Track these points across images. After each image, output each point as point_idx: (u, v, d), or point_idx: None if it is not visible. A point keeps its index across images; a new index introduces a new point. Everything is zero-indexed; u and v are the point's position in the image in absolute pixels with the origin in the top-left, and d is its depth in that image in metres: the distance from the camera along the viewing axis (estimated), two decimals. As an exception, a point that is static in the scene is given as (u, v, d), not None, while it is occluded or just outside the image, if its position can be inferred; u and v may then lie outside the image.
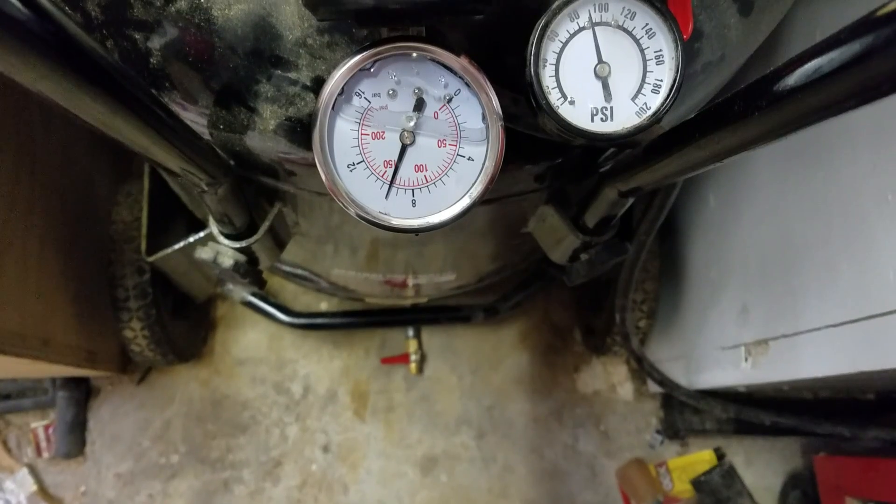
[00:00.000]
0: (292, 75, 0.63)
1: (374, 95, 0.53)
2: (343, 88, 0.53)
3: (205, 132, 0.70)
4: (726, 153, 0.55)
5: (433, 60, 0.52)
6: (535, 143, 0.70)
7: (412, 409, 1.86)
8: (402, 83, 0.53)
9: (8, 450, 1.76)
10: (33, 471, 1.74)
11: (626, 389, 1.89)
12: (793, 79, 0.45)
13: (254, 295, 1.79)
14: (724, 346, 1.40)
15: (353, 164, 0.54)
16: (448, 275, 1.37)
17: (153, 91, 0.66)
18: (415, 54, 0.52)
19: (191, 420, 1.82)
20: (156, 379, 1.84)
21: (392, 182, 0.55)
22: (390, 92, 0.53)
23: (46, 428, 1.77)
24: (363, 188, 0.55)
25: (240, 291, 1.75)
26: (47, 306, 1.37)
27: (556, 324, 1.96)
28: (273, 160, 0.73)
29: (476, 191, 0.54)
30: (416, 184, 0.55)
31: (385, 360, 1.88)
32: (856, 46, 0.40)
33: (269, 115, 0.66)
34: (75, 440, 1.75)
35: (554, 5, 0.50)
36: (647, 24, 0.50)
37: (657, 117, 0.50)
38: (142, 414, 1.81)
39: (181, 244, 1.30)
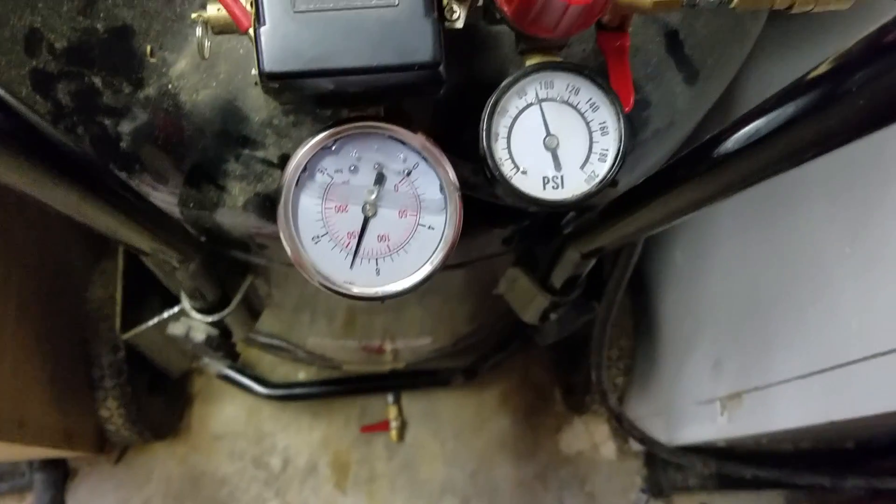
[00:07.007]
0: (260, 154, 0.65)
1: (337, 171, 0.55)
2: (306, 166, 0.55)
3: (175, 210, 0.72)
4: (676, 214, 0.58)
5: (392, 138, 0.55)
6: (501, 208, 0.73)
7: (394, 478, 1.83)
8: (363, 159, 0.55)
9: (-21, 538, 1.70)
10: (6, 558, 1.69)
11: (608, 448, 1.88)
12: (730, 144, 0.48)
13: (231, 367, 1.78)
14: (699, 401, 1.41)
15: (318, 237, 0.56)
16: (424, 338, 1.38)
17: (123, 173, 0.68)
18: (374, 132, 0.54)
19: (169, 498, 1.77)
20: (133, 457, 1.80)
21: (356, 252, 0.56)
22: (352, 168, 0.55)
23: (21, 512, 1.72)
24: (328, 259, 0.56)
25: (215, 365, 1.73)
26: (23, 386, 1.35)
27: (537, 384, 1.96)
28: (243, 234, 0.75)
29: (437, 258, 0.56)
30: (379, 253, 0.56)
31: (365, 428, 1.85)
32: (789, 110, 0.43)
33: (238, 192, 0.68)
34: (51, 524, 1.70)
35: (503, 84, 0.53)
36: (590, 99, 0.53)
37: (605, 184, 0.53)
38: (120, 493, 1.76)
39: (155, 320, 1.29)
